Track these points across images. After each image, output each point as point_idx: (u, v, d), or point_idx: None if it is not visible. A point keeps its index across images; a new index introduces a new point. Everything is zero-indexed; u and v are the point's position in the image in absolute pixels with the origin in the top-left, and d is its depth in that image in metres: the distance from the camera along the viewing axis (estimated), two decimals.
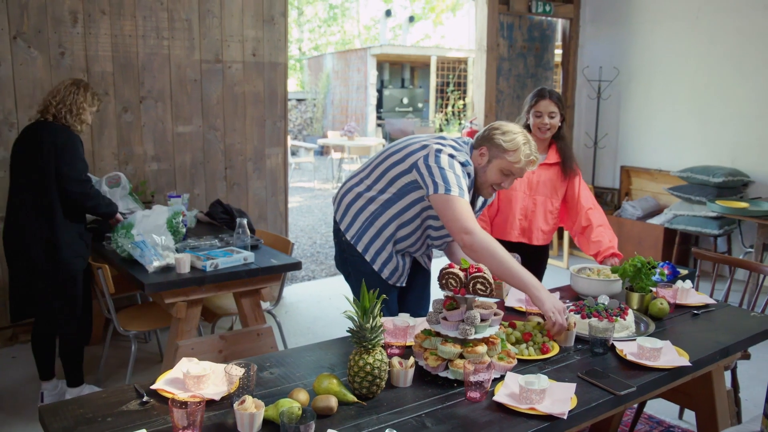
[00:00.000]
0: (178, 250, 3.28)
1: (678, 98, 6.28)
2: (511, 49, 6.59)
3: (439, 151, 2.42)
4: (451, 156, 2.42)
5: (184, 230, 3.51)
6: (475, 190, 2.56)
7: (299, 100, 17.89)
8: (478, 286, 1.98)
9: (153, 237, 3.24)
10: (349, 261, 2.72)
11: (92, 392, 1.87)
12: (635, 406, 3.18)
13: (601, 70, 6.87)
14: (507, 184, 2.48)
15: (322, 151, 16.69)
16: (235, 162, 4.90)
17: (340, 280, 6.08)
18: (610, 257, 3.08)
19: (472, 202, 2.62)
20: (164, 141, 4.58)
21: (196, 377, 1.79)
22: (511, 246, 3.25)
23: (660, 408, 3.46)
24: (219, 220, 4.11)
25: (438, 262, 4.50)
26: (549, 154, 3.23)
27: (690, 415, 3.37)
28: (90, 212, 3.29)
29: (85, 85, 3.28)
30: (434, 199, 2.37)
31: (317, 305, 5.29)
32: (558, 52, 7.74)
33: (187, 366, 1.84)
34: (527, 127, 3.18)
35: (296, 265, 3.35)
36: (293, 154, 14.51)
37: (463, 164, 2.43)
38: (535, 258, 3.39)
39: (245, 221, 3.43)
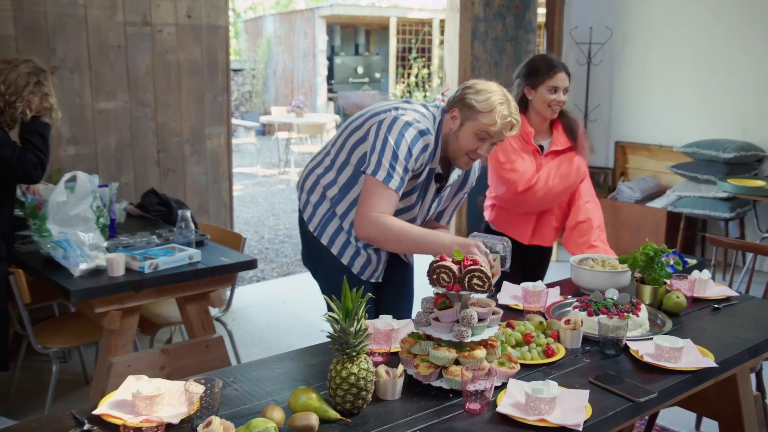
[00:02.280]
0: (109, 250, 3.23)
1: (680, 62, 6.41)
2: (487, 9, 6.63)
3: (396, 118, 2.46)
4: (408, 123, 2.44)
5: (107, 219, 3.44)
6: (449, 161, 2.59)
7: (235, 71, 17.70)
8: (475, 281, 2.00)
9: (78, 234, 3.18)
10: (315, 255, 2.76)
11: (11, 425, 1.84)
12: (646, 417, 3.25)
13: (591, 31, 6.97)
14: (484, 150, 2.49)
15: (265, 131, 16.57)
16: (169, 144, 4.84)
17: (294, 280, 6.08)
18: None
19: (446, 176, 2.65)
20: (83, 120, 4.49)
21: (149, 398, 1.77)
22: (522, 247, 3.29)
23: (673, 418, 3.55)
24: (154, 212, 4.07)
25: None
26: (555, 138, 3.23)
27: (709, 425, 3.47)
28: (32, 173, 3.15)
29: None
30: (364, 179, 2.46)
31: (269, 310, 5.28)
32: (541, 11, 7.83)
33: (136, 385, 1.82)
34: (524, 103, 3.20)
35: (251, 264, 3.35)
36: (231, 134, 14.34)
37: (422, 132, 2.45)
38: (542, 257, 3.46)
39: (188, 213, 3.40)
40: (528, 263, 3.40)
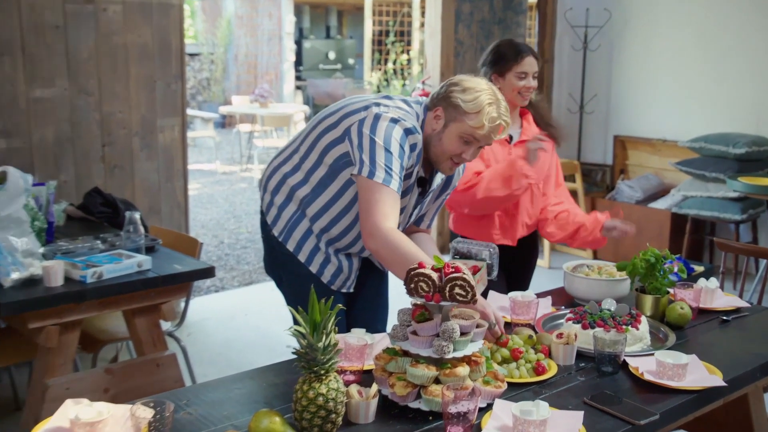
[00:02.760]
0: (45, 256, 3.20)
1: (687, 47, 6.47)
2: None
3: (378, 116, 2.46)
4: (394, 121, 2.45)
5: (44, 222, 3.41)
6: (432, 164, 2.59)
7: (192, 55, 17.61)
8: (457, 290, 2.00)
9: (10, 239, 3.14)
10: (280, 263, 2.76)
11: None
12: None
13: (588, 13, 7.03)
14: (470, 154, 2.50)
15: (225, 123, 16.47)
16: (116, 137, 4.81)
17: (257, 290, 6.06)
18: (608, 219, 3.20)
19: (430, 181, 2.66)
20: (15, 110, 4.45)
21: (89, 424, 1.75)
22: (506, 249, 3.32)
23: None
24: (98, 214, 4.03)
25: None
26: (525, 129, 3.34)
27: None
28: None
29: None
30: (358, 182, 2.44)
31: (229, 324, 5.26)
32: None
33: (75, 410, 1.80)
34: None
35: (208, 272, 3.34)
36: (187, 126, 14.27)
37: (408, 131, 2.46)
38: (527, 256, 3.49)
39: (137, 215, 3.38)
40: (513, 267, 3.42)
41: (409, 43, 16.60)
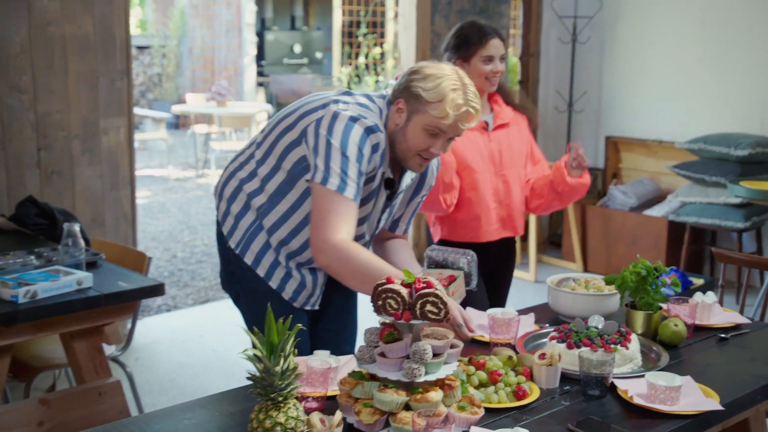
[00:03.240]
0: None
1: (684, 40, 6.54)
2: None
3: (336, 115, 2.48)
4: (353, 119, 2.47)
5: None
6: (398, 162, 2.61)
7: (141, 48, 17.54)
8: (429, 307, 2.02)
9: None
10: (237, 278, 2.77)
11: None
12: None
13: (577, 2, 7.09)
14: (438, 148, 2.50)
15: (179, 123, 16.41)
16: (52, 140, 4.79)
17: (214, 309, 6.05)
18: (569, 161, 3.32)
19: (399, 181, 2.67)
20: None
21: None
22: (490, 247, 3.40)
23: None
24: (32, 226, 4.01)
25: None
26: (497, 112, 3.44)
27: None
28: None
29: None
30: (312, 188, 2.48)
31: (182, 347, 5.24)
32: None
33: None
34: None
35: (157, 289, 3.32)
36: (135, 128, 14.19)
37: (369, 130, 2.48)
38: (509, 255, 3.59)
39: (77, 227, 3.36)
40: (495, 267, 3.48)
41: (382, 36, 16.63)
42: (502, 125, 3.42)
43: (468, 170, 3.32)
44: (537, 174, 3.52)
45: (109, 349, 3.75)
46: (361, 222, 2.64)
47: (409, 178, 2.71)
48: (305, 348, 2.78)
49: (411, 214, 2.88)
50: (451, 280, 2.58)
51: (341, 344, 2.86)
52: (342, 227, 2.40)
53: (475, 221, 3.37)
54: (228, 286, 2.86)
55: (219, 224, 2.79)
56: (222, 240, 2.78)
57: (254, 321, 2.80)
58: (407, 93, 2.49)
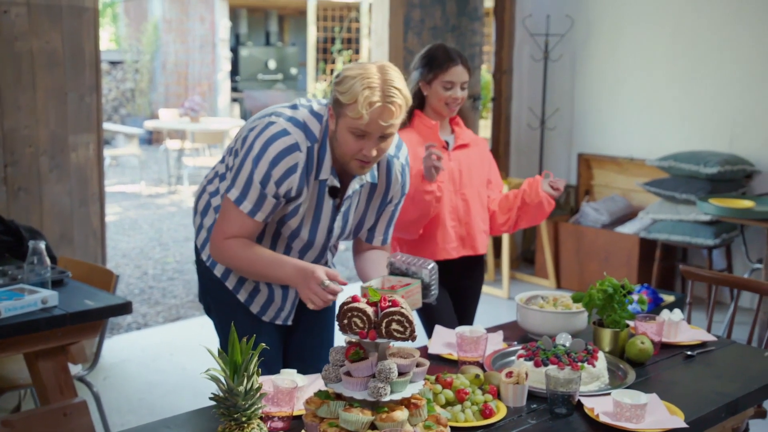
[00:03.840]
0: None
1: (655, 58, 6.60)
2: None
3: (264, 129, 2.53)
4: (275, 137, 2.50)
5: None
6: (344, 170, 2.61)
7: (113, 63, 17.50)
8: (394, 326, 2.02)
9: None
10: (209, 289, 2.86)
11: None
12: None
13: (548, 20, 7.14)
14: (370, 149, 2.47)
15: (151, 139, 16.36)
16: (20, 156, 4.75)
17: (185, 327, 6.02)
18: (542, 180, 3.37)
19: (343, 187, 2.66)
20: None
21: None
22: (452, 265, 3.40)
23: None
24: None
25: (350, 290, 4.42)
26: (458, 133, 3.49)
27: None
28: None
29: None
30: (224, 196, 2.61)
31: (152, 365, 5.21)
32: None
33: None
34: (419, 100, 3.39)
35: (123, 308, 3.31)
36: (107, 143, 14.15)
37: (288, 150, 2.50)
38: (475, 272, 3.58)
39: (42, 245, 3.34)
40: (465, 286, 3.50)
41: (357, 51, 16.68)
42: (462, 145, 3.47)
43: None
44: (497, 196, 3.56)
45: (76, 369, 3.71)
46: (297, 233, 2.67)
47: (357, 183, 2.66)
48: (276, 364, 2.80)
49: (386, 224, 2.86)
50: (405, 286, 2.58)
51: (316, 361, 2.86)
52: (227, 233, 2.57)
53: (432, 239, 3.39)
54: (201, 298, 2.94)
55: (195, 237, 2.86)
56: (197, 253, 2.85)
57: (224, 333, 2.84)
58: (332, 98, 2.50)
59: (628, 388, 2.39)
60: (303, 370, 2.61)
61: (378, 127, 2.43)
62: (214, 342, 2.81)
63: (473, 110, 3.63)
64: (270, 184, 2.50)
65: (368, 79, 2.40)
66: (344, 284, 2.46)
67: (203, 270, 2.83)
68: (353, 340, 2.07)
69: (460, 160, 3.44)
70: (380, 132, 2.45)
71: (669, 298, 5.43)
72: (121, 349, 5.48)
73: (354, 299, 2.06)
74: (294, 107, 2.61)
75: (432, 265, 2.65)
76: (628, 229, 6.48)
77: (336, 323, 2.94)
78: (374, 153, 2.48)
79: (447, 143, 3.44)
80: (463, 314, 3.52)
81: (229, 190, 2.56)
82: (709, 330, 3.33)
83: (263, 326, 2.80)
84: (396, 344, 2.09)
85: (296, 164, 2.51)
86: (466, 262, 3.50)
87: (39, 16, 4.75)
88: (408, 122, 3.41)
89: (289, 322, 2.82)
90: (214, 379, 1.82)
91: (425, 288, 2.63)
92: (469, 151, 3.49)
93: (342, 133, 2.48)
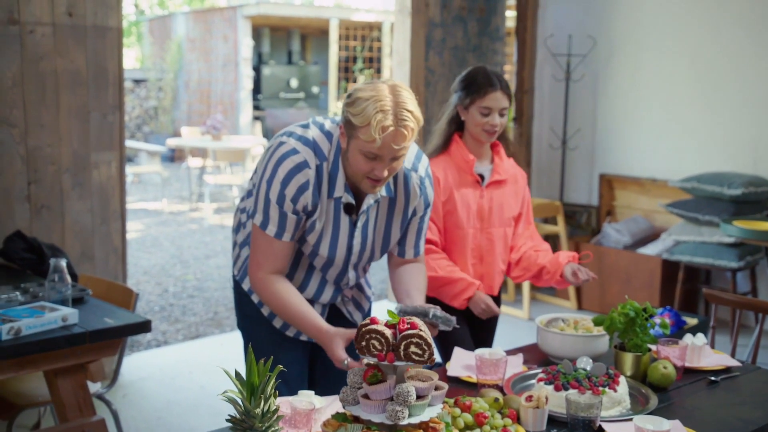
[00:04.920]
0: None
1: (677, 78, 6.59)
2: (445, 12, 6.75)
3: (276, 148, 2.57)
4: (285, 156, 2.52)
5: None
6: (354, 186, 2.61)
7: (137, 81, 17.66)
8: (413, 348, 2.01)
9: None
10: (238, 304, 2.96)
11: None
12: None
13: (570, 40, 7.14)
14: (382, 170, 2.46)
15: (174, 157, 16.46)
16: (43, 174, 4.78)
17: (204, 345, 6.02)
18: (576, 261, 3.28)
19: (357, 206, 2.65)
20: None
21: None
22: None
23: None
24: (20, 261, 4.01)
25: (380, 307, 4.31)
26: (497, 166, 3.37)
27: None
28: None
29: None
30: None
31: (171, 384, 5.20)
32: (511, 14, 7.99)
33: None
34: (457, 124, 3.32)
35: (143, 326, 3.31)
36: (130, 160, 14.24)
37: (298, 168, 2.51)
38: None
39: (63, 263, 3.35)
40: (477, 325, 3.44)
41: (378, 71, 16.75)
42: (497, 182, 3.36)
43: (453, 228, 3.30)
44: (524, 239, 3.47)
45: (95, 387, 3.72)
46: (332, 249, 2.67)
47: (372, 199, 2.65)
48: (300, 380, 2.82)
49: (416, 236, 2.83)
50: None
51: (340, 381, 2.82)
52: (263, 264, 2.62)
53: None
54: (236, 313, 3.02)
55: (231, 252, 2.97)
56: (232, 269, 2.96)
57: (249, 346, 2.84)
58: (344, 118, 2.49)
59: (650, 413, 2.36)
60: (330, 388, 2.63)
61: (390, 150, 2.42)
62: (232, 360, 2.83)
63: (517, 135, 3.52)
64: (286, 202, 2.53)
65: (381, 102, 2.37)
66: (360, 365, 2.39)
67: (235, 284, 2.94)
68: (371, 362, 2.05)
69: (492, 198, 3.33)
70: (392, 155, 2.44)
71: (692, 321, 5.38)
72: (140, 366, 5.48)
73: (372, 321, 2.05)
74: (305, 126, 2.62)
75: (450, 320, 2.55)
76: (650, 250, 6.44)
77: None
78: (385, 174, 2.47)
79: (481, 177, 3.33)
80: (481, 341, 3.45)
81: (254, 216, 2.61)
82: (733, 355, 3.30)
83: (287, 342, 2.84)
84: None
85: (307, 181, 2.52)
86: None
87: (64, 36, 4.79)
88: (445, 146, 3.33)
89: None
90: (231, 401, 1.80)
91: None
92: (504, 189, 3.37)
93: (353, 153, 2.47)
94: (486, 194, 3.33)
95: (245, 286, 2.84)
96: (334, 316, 2.90)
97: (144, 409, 4.80)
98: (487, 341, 3.49)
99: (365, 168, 2.47)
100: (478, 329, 3.44)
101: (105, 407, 3.80)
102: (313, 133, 2.58)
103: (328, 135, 2.59)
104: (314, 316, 2.59)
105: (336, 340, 2.46)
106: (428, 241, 3.19)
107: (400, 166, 2.56)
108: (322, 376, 2.92)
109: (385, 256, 2.90)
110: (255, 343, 2.75)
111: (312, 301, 2.79)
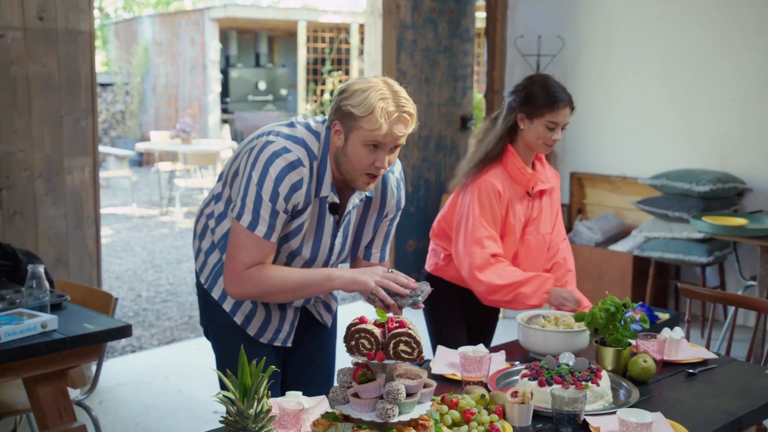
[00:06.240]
0: None
1: (646, 78, 6.65)
2: (416, 13, 6.78)
3: (263, 148, 2.53)
4: (276, 154, 2.51)
5: None
6: (346, 185, 2.62)
7: (104, 86, 17.51)
8: (402, 347, 2.02)
9: None
10: (207, 312, 2.87)
11: None
12: None
13: (540, 40, 7.18)
14: (383, 160, 2.50)
15: (142, 161, 16.36)
16: (15, 180, 4.75)
17: (180, 349, 5.99)
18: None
19: (342, 205, 2.67)
20: None
21: None
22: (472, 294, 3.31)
23: None
24: None
25: (348, 310, 4.25)
26: (540, 173, 3.37)
27: None
28: None
29: None
30: (232, 224, 2.59)
31: (148, 389, 5.18)
32: (480, 15, 8.03)
33: None
34: (513, 130, 3.27)
35: (123, 331, 3.29)
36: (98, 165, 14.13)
37: (291, 166, 2.51)
38: (491, 313, 3.53)
39: (41, 269, 3.33)
40: (480, 322, 3.46)
41: (347, 72, 16.75)
42: (544, 191, 3.36)
43: (501, 238, 3.28)
44: (557, 241, 3.48)
45: (74, 393, 3.68)
46: (299, 250, 2.65)
47: (357, 198, 2.68)
48: (275, 386, 2.79)
49: (383, 240, 2.85)
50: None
51: (315, 385, 2.84)
52: (248, 264, 2.54)
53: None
54: (202, 320, 2.94)
55: (194, 261, 2.87)
56: (197, 275, 2.85)
57: (221, 357, 2.85)
58: (340, 113, 2.50)
59: (632, 406, 2.40)
60: (304, 393, 2.61)
61: (393, 137, 2.46)
62: (209, 363, 2.82)
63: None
64: (279, 200, 2.50)
65: (380, 90, 2.43)
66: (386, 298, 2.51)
67: (202, 292, 2.84)
68: (360, 361, 2.07)
69: (536, 207, 3.33)
70: (394, 142, 2.48)
71: (664, 316, 5.44)
72: (116, 372, 5.45)
73: (361, 320, 2.06)
74: (291, 125, 2.62)
75: (425, 285, 2.57)
76: (621, 247, 6.50)
77: (336, 346, 2.98)
78: (386, 164, 2.51)
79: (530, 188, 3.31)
80: (480, 338, 3.45)
81: (240, 217, 2.53)
82: (707, 347, 3.34)
83: (260, 348, 2.78)
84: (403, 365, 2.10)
85: (301, 180, 2.52)
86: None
87: (35, 41, 4.76)
88: (498, 156, 3.26)
89: (289, 344, 2.82)
90: (226, 402, 1.81)
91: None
92: (545, 198, 3.37)
93: (354, 146, 2.49)
94: (531, 204, 3.34)
95: (215, 294, 2.77)
96: (305, 319, 2.88)
97: (122, 415, 4.77)
98: (485, 344, 3.48)
99: (367, 160, 2.49)
100: (475, 332, 3.45)
101: (85, 413, 3.78)
102: (301, 132, 2.58)
103: (316, 134, 2.59)
104: (320, 270, 2.61)
105: (364, 269, 2.56)
106: (493, 255, 3.18)
107: (396, 159, 2.60)
108: (294, 381, 2.91)
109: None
110: (228, 350, 2.77)
111: (285, 306, 2.78)
